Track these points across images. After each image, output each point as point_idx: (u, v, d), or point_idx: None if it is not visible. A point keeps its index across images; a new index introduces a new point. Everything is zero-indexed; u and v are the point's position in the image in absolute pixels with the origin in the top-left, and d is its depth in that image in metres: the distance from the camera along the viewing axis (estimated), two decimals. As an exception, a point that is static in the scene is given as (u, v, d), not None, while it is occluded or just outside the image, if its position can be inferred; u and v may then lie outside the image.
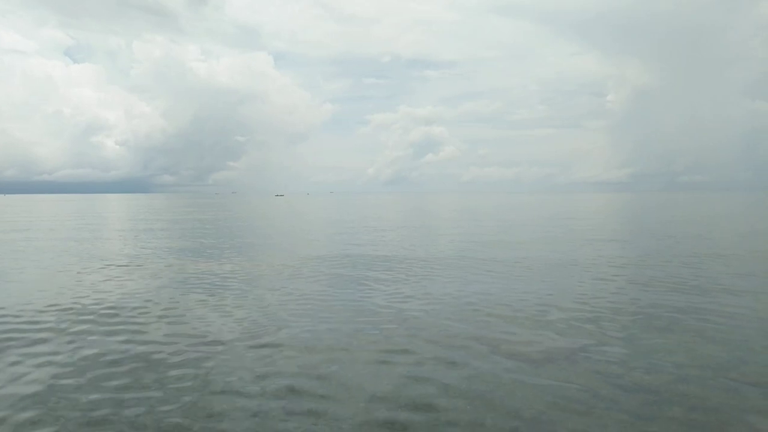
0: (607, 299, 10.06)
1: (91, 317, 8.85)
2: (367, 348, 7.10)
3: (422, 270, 13.91)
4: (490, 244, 20.95)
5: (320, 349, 7.06)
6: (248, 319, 8.72)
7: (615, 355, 6.69)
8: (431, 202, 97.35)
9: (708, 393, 5.49)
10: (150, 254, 17.53)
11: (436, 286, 11.62)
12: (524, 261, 15.48)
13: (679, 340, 7.36)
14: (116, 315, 9.01)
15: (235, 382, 5.86)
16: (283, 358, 6.69)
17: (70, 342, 7.43)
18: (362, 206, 72.55)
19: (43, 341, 7.47)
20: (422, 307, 9.57)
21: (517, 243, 21.25)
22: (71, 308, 9.51)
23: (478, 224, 33.60)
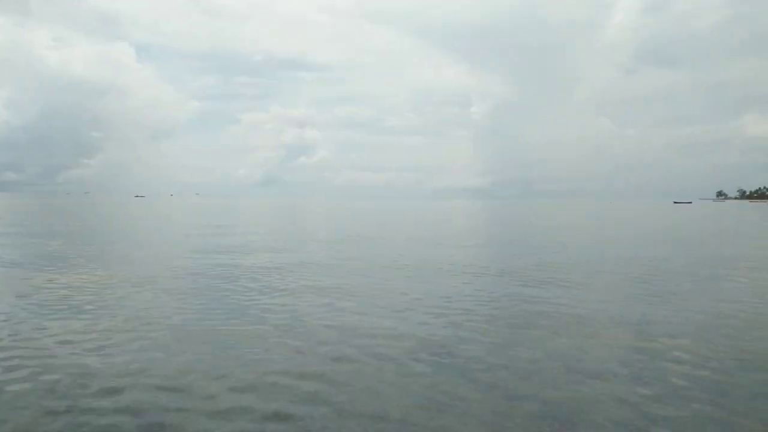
0: (468, 300, 10.38)
1: None
2: (221, 360, 6.60)
3: (291, 276, 13.52)
4: (362, 245, 21.02)
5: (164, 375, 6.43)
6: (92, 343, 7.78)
7: (476, 354, 6.83)
8: (303, 205, 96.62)
9: (560, 386, 5.76)
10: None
11: (304, 292, 11.31)
12: (394, 263, 15.64)
13: (535, 336, 7.73)
14: None
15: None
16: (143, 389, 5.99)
17: None
18: (231, 209, 70.03)
19: None
20: (288, 316, 9.21)
21: (392, 244, 21.54)
22: None
23: (350, 227, 33.75)
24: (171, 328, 7.87)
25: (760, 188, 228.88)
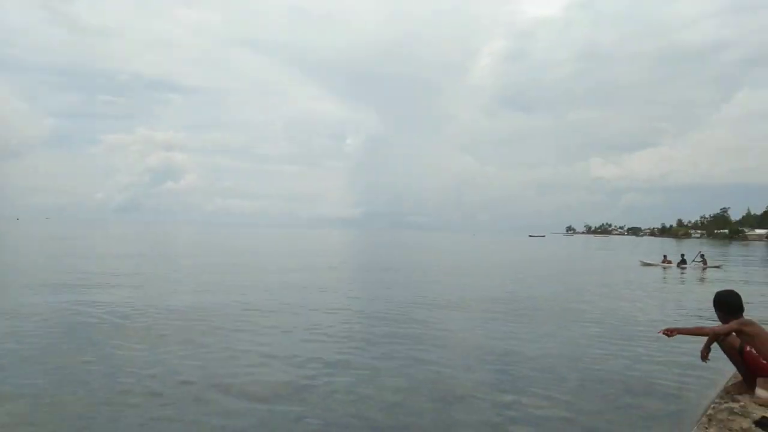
0: (333, 329, 10.18)
1: None
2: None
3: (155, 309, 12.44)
4: (227, 273, 20.07)
5: None
6: None
7: (342, 385, 6.60)
8: (170, 234, 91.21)
9: (422, 412, 5.73)
10: None
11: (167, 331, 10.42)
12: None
13: (399, 365, 7.68)
14: None
15: None
16: None
17: None
18: (74, 236, 64.12)
19: None
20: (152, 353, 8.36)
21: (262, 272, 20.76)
22: None
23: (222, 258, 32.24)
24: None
25: (602, 224, 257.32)
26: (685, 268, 30.06)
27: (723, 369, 5.92)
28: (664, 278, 24.48)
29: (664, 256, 33.44)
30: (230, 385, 6.46)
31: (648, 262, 33.49)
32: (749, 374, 4.59)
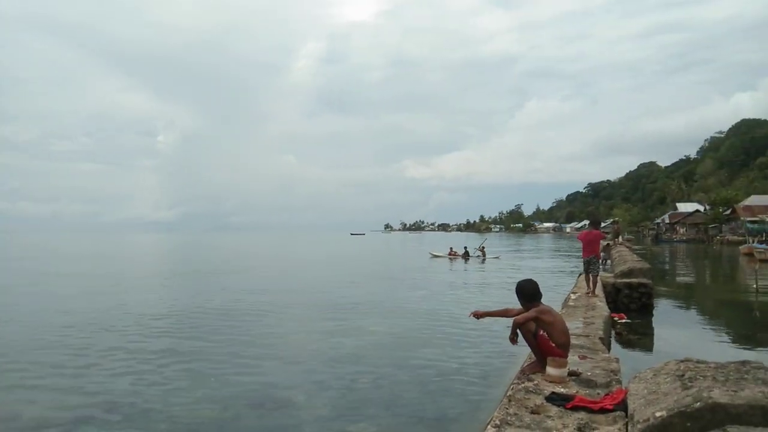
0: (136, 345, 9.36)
1: None
2: None
3: None
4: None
5: None
6: None
7: (149, 405, 6.06)
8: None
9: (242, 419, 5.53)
10: None
11: None
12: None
13: (219, 372, 7.32)
14: None
15: None
16: None
17: None
18: None
19: None
20: None
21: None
22: None
23: None
24: None
25: (417, 221, 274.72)
26: (467, 259, 34.00)
27: (519, 352, 6.60)
28: (451, 268, 27.59)
29: (450, 248, 37.37)
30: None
31: (436, 254, 37.22)
32: (541, 355, 4.99)
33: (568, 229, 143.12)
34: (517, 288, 5.32)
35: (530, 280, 5.37)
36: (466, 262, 32.08)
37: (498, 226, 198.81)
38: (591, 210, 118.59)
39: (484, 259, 33.45)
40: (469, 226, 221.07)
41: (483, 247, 35.39)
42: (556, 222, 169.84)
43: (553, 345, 4.94)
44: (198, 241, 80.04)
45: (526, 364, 5.41)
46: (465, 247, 36.13)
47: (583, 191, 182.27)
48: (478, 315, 5.49)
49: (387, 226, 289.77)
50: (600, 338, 6.73)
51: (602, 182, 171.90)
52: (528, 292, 5.20)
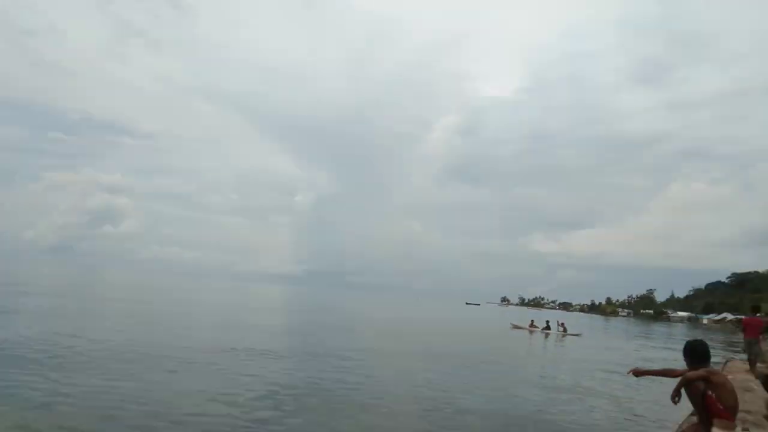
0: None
1: None
2: None
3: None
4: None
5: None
6: None
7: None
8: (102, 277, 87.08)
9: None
10: None
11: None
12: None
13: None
14: None
15: None
16: None
17: None
18: None
19: None
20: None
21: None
22: None
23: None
24: None
25: (536, 297, 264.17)
26: (549, 333, 35.34)
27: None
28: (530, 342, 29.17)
29: (531, 321, 39.44)
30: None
31: (517, 325, 38.90)
32: (707, 417, 4.87)
33: (705, 321, 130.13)
34: (687, 347, 5.16)
35: (701, 341, 5.19)
36: (546, 338, 32.59)
37: (626, 310, 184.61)
38: (754, 297, 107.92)
39: (565, 334, 34.27)
40: (593, 308, 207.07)
41: (563, 323, 36.75)
42: (691, 312, 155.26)
43: (721, 407, 4.83)
44: (335, 298, 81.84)
45: (685, 425, 5.50)
46: (547, 321, 37.52)
47: (726, 281, 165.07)
48: (638, 373, 5.39)
49: (504, 299, 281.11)
50: (764, 416, 6.55)
51: (749, 273, 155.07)
52: (699, 351, 5.07)
